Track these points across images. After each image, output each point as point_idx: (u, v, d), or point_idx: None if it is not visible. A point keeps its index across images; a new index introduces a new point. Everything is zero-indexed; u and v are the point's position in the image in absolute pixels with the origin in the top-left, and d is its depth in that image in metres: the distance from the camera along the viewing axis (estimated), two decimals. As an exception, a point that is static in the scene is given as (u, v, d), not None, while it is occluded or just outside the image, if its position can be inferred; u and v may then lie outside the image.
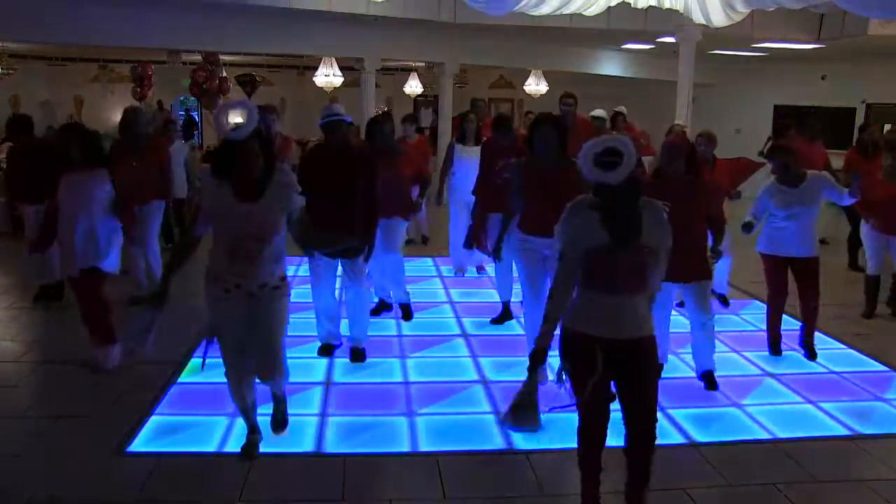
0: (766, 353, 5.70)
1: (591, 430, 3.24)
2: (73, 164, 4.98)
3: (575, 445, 3.93)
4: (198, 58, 14.75)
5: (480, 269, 8.10)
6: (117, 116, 18.23)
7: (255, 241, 3.54)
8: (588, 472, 3.33)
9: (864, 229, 6.88)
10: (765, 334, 5.80)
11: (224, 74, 14.52)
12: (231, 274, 3.59)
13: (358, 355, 5.40)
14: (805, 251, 5.52)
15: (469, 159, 7.26)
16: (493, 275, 6.82)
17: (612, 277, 3.05)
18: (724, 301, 7.03)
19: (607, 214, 3.00)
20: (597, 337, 3.06)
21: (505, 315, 6.44)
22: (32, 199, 6.48)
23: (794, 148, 5.94)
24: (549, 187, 4.62)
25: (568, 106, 7.49)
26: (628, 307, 3.08)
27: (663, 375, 5.19)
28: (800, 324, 5.80)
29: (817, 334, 5.98)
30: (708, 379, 5.05)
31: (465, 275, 8.03)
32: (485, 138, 7.54)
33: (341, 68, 14.77)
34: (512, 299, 6.41)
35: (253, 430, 4.00)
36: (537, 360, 3.19)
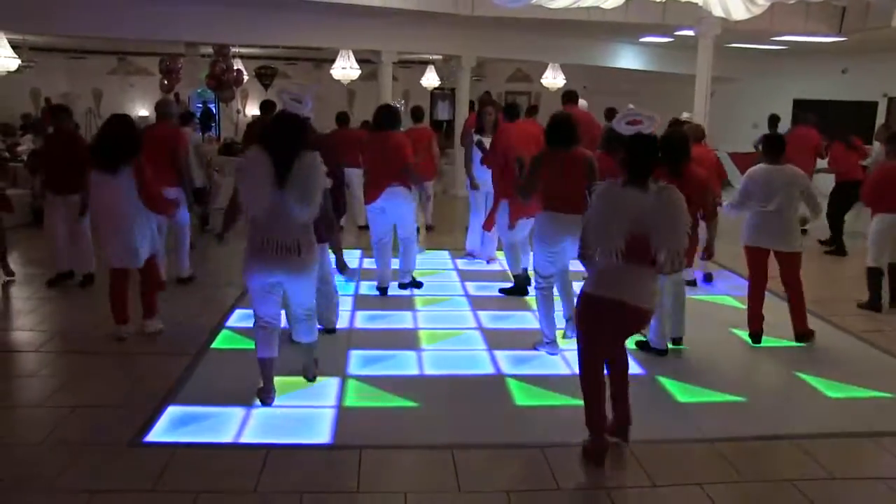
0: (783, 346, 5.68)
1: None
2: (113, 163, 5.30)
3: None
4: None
5: (491, 260, 8.26)
6: (136, 108, 18.41)
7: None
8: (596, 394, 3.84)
9: (873, 222, 6.84)
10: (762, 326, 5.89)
11: (237, 67, 14.56)
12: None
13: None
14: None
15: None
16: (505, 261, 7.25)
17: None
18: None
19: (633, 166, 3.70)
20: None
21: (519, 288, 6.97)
22: (67, 189, 6.69)
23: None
24: (565, 172, 5.14)
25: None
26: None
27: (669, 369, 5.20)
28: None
29: (834, 330, 6.08)
30: (677, 343, 5.59)
31: (475, 260, 8.29)
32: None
33: (358, 61, 14.78)
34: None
35: None
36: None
